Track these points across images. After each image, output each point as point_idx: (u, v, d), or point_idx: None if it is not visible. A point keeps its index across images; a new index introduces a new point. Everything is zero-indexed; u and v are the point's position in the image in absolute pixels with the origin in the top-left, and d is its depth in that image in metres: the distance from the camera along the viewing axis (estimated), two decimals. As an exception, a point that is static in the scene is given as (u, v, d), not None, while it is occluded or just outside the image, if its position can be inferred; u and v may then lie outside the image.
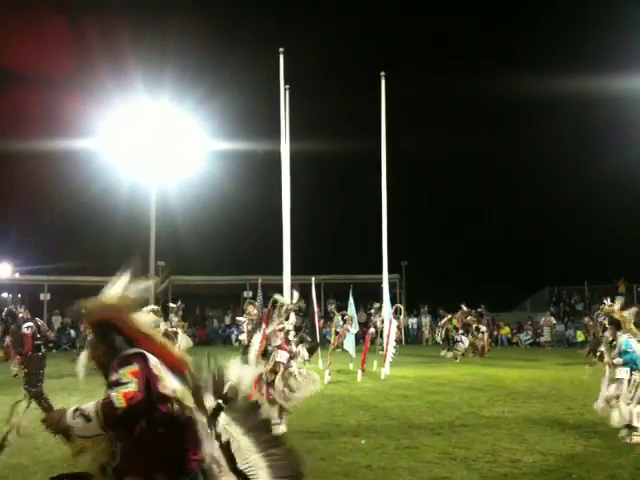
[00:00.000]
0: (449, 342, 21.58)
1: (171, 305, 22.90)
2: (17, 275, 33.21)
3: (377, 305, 20.00)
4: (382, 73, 19.76)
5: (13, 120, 30.19)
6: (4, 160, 31.02)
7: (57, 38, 32.20)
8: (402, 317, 20.63)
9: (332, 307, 27.05)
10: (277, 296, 9.67)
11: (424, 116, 34.24)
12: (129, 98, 32.85)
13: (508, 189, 36.64)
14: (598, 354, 8.76)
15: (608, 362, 8.46)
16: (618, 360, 8.32)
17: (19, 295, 33.09)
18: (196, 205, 34.50)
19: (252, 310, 16.91)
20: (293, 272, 16.82)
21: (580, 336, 26.36)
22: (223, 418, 3.50)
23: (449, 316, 22.84)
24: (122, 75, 32.30)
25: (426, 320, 31.92)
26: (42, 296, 32.40)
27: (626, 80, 27.60)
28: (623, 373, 8.30)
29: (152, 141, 33.60)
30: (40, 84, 30.74)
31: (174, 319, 22.42)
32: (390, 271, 20.52)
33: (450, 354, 21.06)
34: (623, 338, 8.40)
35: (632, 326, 8.51)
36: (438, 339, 23.14)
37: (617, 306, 8.77)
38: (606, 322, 8.76)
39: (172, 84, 32.90)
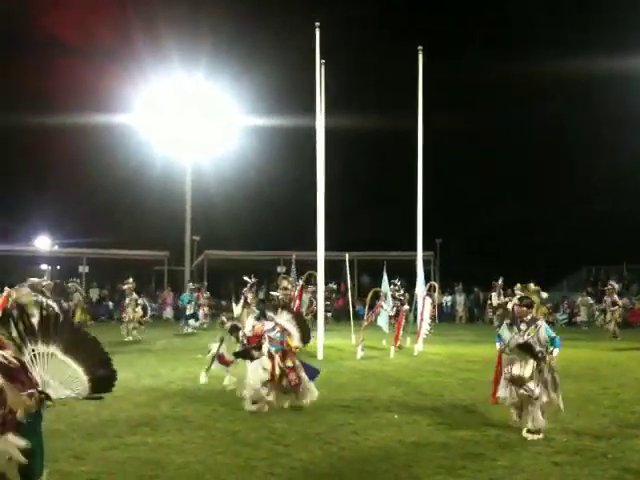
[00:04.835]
0: None
1: (247, 280, 22.89)
2: (56, 248, 33.78)
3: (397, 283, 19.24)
4: (419, 47, 19.49)
5: (54, 93, 30.64)
6: (44, 133, 31.52)
7: (98, 11, 32.54)
8: (436, 295, 20.41)
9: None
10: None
11: (461, 90, 33.75)
12: (165, 74, 33.09)
13: (547, 167, 36.11)
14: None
15: None
16: None
17: (58, 267, 33.77)
18: (230, 180, 34.66)
19: (286, 285, 17.07)
20: (326, 248, 16.80)
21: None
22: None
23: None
24: (158, 51, 32.55)
25: (460, 298, 31.77)
26: (80, 268, 32.95)
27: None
28: None
29: (187, 117, 33.81)
30: (81, 56, 31.15)
31: (249, 295, 22.36)
32: (424, 248, 20.41)
33: None
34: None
35: None
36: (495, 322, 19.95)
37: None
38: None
39: (207, 60, 33.03)
